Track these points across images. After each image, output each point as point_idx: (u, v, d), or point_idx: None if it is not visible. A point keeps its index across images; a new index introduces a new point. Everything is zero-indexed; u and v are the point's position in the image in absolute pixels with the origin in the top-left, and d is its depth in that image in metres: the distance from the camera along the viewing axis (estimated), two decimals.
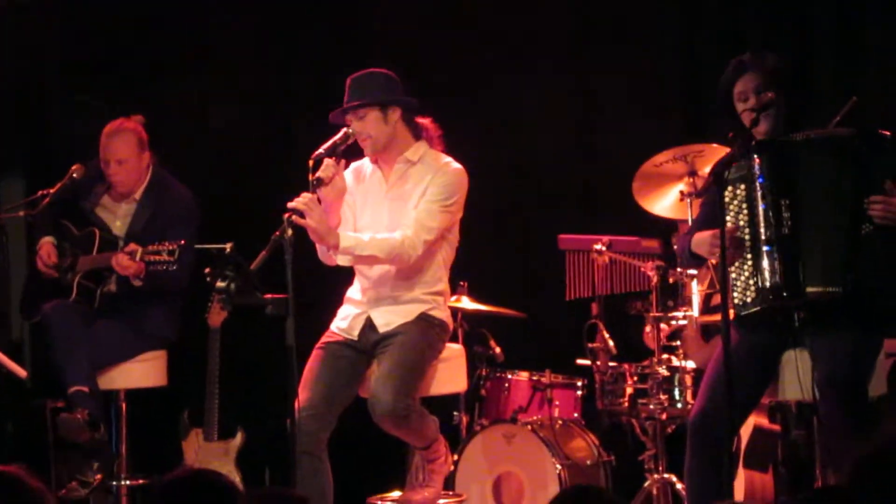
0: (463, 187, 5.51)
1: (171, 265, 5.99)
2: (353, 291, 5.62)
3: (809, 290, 4.74)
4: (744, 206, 4.82)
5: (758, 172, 4.79)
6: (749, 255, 4.80)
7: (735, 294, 4.83)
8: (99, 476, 6.17)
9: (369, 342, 5.49)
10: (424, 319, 5.50)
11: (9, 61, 7.52)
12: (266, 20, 7.65)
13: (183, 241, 6.00)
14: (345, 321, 5.57)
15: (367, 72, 5.53)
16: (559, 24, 7.28)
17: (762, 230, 4.78)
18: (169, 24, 7.65)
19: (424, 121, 5.62)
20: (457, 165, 5.54)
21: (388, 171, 5.57)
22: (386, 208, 5.54)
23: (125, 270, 6.14)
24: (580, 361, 6.38)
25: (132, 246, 6.12)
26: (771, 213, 4.77)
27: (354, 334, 5.51)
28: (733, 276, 4.83)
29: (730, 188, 4.84)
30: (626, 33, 7.17)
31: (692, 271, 6.03)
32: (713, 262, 5.19)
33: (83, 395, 6.08)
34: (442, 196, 5.44)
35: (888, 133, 4.77)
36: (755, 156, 4.80)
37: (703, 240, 4.91)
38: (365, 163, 5.67)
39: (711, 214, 4.85)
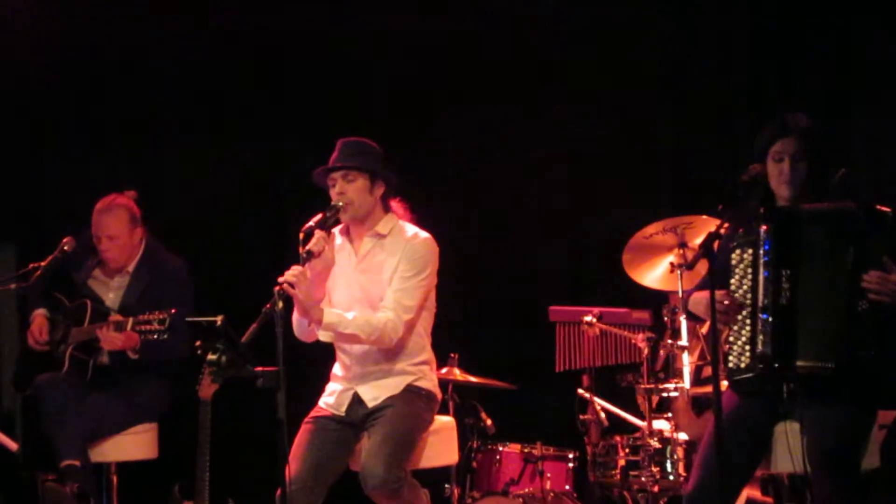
0: (434, 257, 5.52)
1: (163, 334, 5.95)
2: (337, 369, 5.63)
3: (800, 363, 4.74)
4: (749, 270, 4.84)
5: (763, 239, 4.82)
6: (748, 321, 4.81)
7: (731, 357, 4.85)
8: None
9: (358, 416, 5.49)
10: (411, 391, 5.51)
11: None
12: (258, 91, 7.69)
13: (174, 310, 5.95)
14: (332, 397, 5.57)
15: (360, 139, 5.56)
16: (549, 96, 7.33)
17: (761, 298, 4.80)
18: (159, 95, 7.70)
19: (394, 201, 5.64)
20: (425, 235, 5.55)
21: (358, 244, 5.58)
22: (357, 282, 5.54)
23: (113, 344, 6.13)
24: (571, 433, 6.36)
25: (116, 316, 6.10)
26: (771, 282, 4.79)
27: (342, 410, 5.51)
28: (731, 339, 4.84)
29: (738, 251, 4.88)
30: (616, 105, 7.22)
31: (682, 343, 6.04)
32: (703, 331, 5.19)
33: (75, 469, 6.04)
34: (415, 271, 5.46)
35: (889, 210, 4.80)
36: (763, 223, 4.83)
37: (699, 300, 4.96)
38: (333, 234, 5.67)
39: (719, 274, 4.85)
